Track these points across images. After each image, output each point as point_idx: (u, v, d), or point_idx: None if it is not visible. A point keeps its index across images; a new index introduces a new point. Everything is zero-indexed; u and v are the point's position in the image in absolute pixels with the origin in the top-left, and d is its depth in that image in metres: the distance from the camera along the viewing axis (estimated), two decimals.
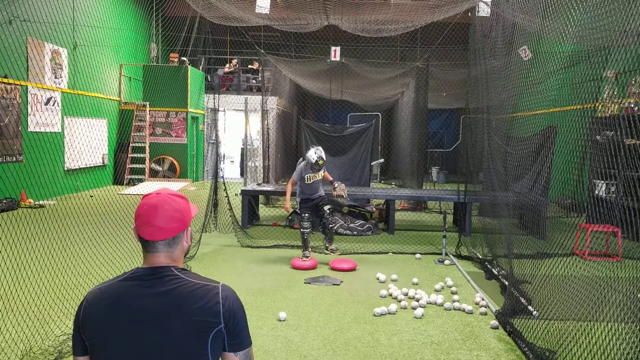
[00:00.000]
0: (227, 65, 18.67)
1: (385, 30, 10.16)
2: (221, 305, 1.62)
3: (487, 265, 6.78)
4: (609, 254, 7.51)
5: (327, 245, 7.01)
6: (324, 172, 7.22)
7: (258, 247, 7.82)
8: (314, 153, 7.01)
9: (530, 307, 4.95)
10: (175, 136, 16.54)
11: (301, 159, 7.30)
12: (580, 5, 4.67)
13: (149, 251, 1.70)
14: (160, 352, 1.58)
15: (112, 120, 15.59)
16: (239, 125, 17.04)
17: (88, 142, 13.68)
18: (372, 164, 12.03)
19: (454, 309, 5.26)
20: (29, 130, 11.11)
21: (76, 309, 1.69)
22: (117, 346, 1.59)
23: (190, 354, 1.59)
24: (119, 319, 1.60)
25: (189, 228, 1.78)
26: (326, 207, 7.03)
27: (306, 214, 7.00)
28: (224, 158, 14.66)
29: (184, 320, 1.59)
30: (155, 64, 17.41)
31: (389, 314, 5.08)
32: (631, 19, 3.80)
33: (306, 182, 7.02)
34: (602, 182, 7.90)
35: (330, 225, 6.93)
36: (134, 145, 15.85)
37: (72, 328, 1.77)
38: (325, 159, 7.12)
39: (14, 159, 10.57)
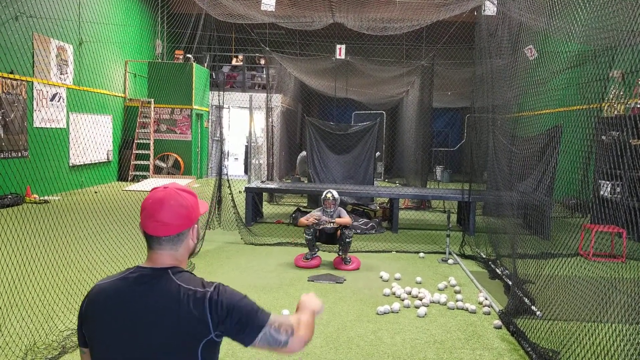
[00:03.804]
0: (234, 61, 18.74)
1: (391, 28, 10.14)
2: (209, 315, 1.56)
3: (491, 264, 6.76)
4: (613, 254, 7.49)
5: (339, 253, 6.89)
6: (337, 218, 6.88)
7: (261, 245, 7.82)
8: (325, 191, 7.05)
9: (533, 307, 4.94)
10: (179, 133, 16.56)
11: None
12: (587, 5, 4.65)
13: (152, 247, 1.66)
14: (152, 355, 1.56)
15: (117, 116, 15.63)
16: (243, 122, 17.06)
17: (93, 138, 13.72)
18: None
19: (457, 308, 5.26)
20: (34, 126, 11.15)
21: (80, 304, 1.70)
22: (112, 345, 1.59)
23: None
24: (115, 319, 1.59)
25: (196, 226, 1.72)
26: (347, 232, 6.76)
27: (311, 228, 6.89)
28: (228, 155, 14.67)
29: (173, 330, 1.55)
30: (160, 60, 17.43)
31: (392, 312, 5.08)
32: (638, 19, 3.78)
33: (320, 225, 6.94)
34: (608, 182, 7.87)
35: (347, 240, 6.80)
36: (138, 141, 15.88)
37: (75, 323, 1.79)
38: (337, 198, 6.94)
39: (19, 155, 10.61)
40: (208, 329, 1.55)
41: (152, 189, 1.71)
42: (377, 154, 16.68)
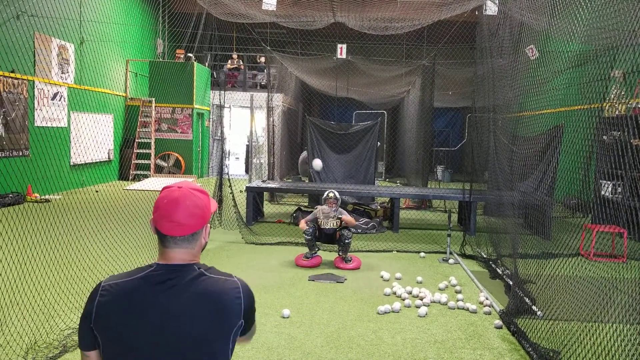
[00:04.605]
0: (229, 62, 18.72)
1: (392, 28, 10.14)
2: (242, 305, 1.62)
3: (492, 264, 6.76)
4: (614, 254, 7.48)
5: (339, 253, 6.88)
6: (340, 217, 6.91)
7: (262, 244, 7.82)
8: (327, 191, 7.08)
9: (534, 307, 4.94)
10: (180, 132, 16.57)
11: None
12: (588, 5, 4.64)
13: (166, 246, 1.62)
14: (181, 353, 1.54)
15: (118, 115, 15.64)
16: (244, 122, 17.06)
17: (94, 138, 13.73)
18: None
19: (458, 308, 5.26)
20: (35, 125, 11.15)
21: (84, 303, 1.63)
22: (135, 347, 1.54)
23: (212, 353, 1.57)
24: (138, 320, 1.54)
25: (208, 225, 1.72)
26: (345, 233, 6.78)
27: (311, 228, 6.89)
28: (229, 155, 14.68)
29: (209, 321, 1.56)
30: (161, 60, 17.44)
31: (393, 312, 5.08)
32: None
33: (321, 226, 6.95)
34: (609, 182, 7.86)
35: (347, 241, 6.79)
36: (139, 141, 15.89)
37: (77, 322, 1.74)
38: (338, 198, 6.98)
39: (20, 154, 10.62)
40: (240, 316, 1.63)
41: (165, 188, 1.67)
42: (378, 143, 16.70)
